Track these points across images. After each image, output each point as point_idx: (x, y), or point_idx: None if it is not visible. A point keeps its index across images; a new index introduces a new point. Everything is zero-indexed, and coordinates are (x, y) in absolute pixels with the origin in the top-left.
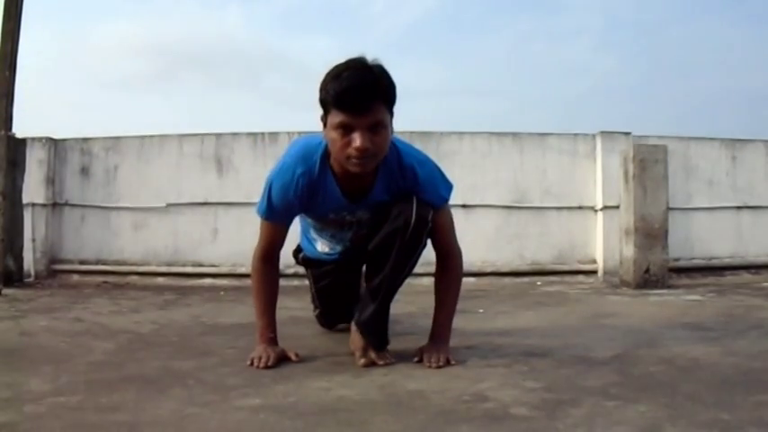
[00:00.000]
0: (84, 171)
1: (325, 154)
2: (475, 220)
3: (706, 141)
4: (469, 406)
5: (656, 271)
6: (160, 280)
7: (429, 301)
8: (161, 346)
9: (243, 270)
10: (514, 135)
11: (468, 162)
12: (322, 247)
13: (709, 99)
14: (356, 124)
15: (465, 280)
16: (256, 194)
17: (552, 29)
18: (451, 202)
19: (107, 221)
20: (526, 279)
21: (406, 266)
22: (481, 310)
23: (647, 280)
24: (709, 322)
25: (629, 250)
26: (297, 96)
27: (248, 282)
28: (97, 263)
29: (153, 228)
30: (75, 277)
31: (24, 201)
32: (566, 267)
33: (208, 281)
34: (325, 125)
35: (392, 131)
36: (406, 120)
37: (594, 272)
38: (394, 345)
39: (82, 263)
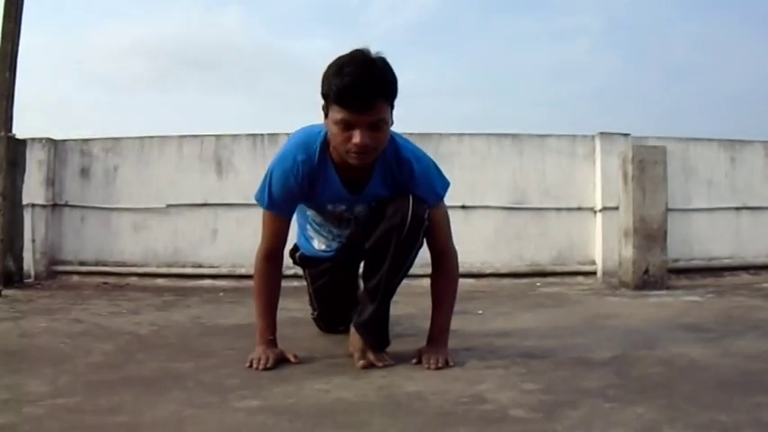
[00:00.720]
0: (84, 172)
1: (325, 143)
2: (474, 221)
3: (705, 142)
4: (468, 408)
5: (655, 272)
6: (160, 281)
7: (428, 303)
8: (160, 348)
9: (242, 271)
10: (514, 136)
11: (468, 163)
12: (319, 244)
13: (709, 100)
14: (357, 122)
15: (464, 281)
16: None
17: (551, 29)
18: (451, 203)
19: (107, 222)
20: (525, 280)
21: (403, 266)
22: (480, 312)
23: (647, 281)
24: (707, 323)
25: (628, 251)
26: (296, 97)
27: (248, 282)
28: (97, 264)
29: (153, 229)
30: (75, 278)
31: (24, 201)
32: (565, 268)
33: (207, 282)
34: (326, 115)
35: (392, 123)
36: (405, 120)
37: (594, 273)
38: (393, 346)
39: (82, 264)
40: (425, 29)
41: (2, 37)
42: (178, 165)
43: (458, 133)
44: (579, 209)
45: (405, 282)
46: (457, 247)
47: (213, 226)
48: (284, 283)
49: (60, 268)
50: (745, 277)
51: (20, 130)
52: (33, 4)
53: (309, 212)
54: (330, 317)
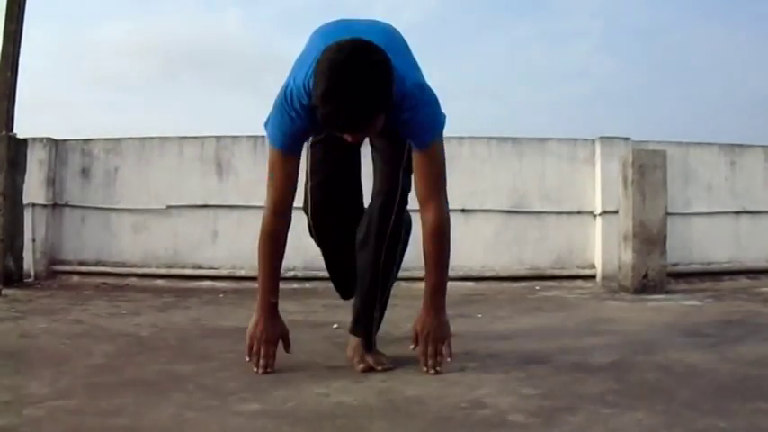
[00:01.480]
0: (85, 172)
1: None
2: (474, 224)
3: (705, 147)
4: (467, 412)
5: (655, 276)
6: (159, 282)
7: None
8: (160, 350)
9: (242, 272)
10: (514, 140)
11: (468, 167)
12: None
13: (710, 103)
14: (347, 135)
15: (463, 284)
16: (256, 198)
17: (552, 32)
18: (451, 206)
19: (107, 223)
20: (525, 284)
21: (394, 262)
22: (479, 315)
23: (646, 285)
24: (706, 328)
25: (627, 255)
26: None
27: (248, 284)
28: (97, 264)
29: (153, 230)
30: (75, 278)
31: (25, 201)
32: (564, 272)
33: (207, 283)
34: None
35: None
36: None
37: (593, 276)
38: (392, 349)
39: (82, 264)
40: (425, 31)
41: (4, 38)
42: (178, 166)
43: (458, 137)
44: (579, 213)
45: (404, 284)
46: (457, 250)
47: (213, 227)
48: (284, 285)
49: (60, 268)
50: (744, 281)
51: (19, 128)
52: (33, 2)
53: None
54: (326, 209)
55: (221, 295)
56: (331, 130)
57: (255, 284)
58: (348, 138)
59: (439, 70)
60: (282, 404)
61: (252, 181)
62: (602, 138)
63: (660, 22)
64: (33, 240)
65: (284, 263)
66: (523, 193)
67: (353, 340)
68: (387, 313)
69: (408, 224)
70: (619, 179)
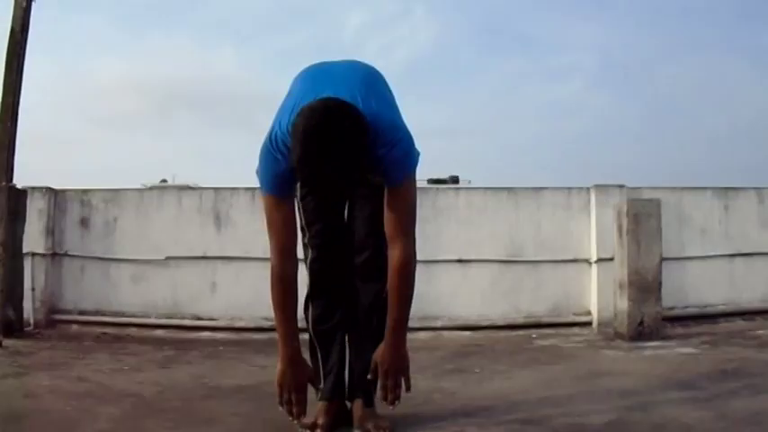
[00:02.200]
0: (84, 222)
1: None
2: (471, 274)
3: (698, 191)
4: None
5: (651, 323)
6: (159, 332)
7: (427, 359)
8: (165, 413)
9: (241, 324)
10: (509, 190)
11: (464, 217)
12: None
13: (701, 137)
14: None
15: (460, 334)
16: (254, 249)
17: (546, 68)
18: (447, 257)
19: (106, 273)
20: (522, 332)
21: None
22: (477, 370)
23: (642, 332)
24: (701, 381)
25: (623, 303)
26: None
27: (247, 335)
28: (96, 314)
29: (152, 280)
30: (75, 327)
31: (24, 250)
32: (561, 319)
33: (206, 334)
34: None
35: None
36: None
37: (589, 323)
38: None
39: (81, 313)
40: (419, 69)
41: (3, 89)
42: (177, 217)
43: (454, 187)
44: (575, 260)
45: None
46: (453, 300)
47: (212, 279)
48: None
49: (60, 317)
50: (739, 323)
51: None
52: (30, 41)
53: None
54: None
55: (221, 348)
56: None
57: (254, 336)
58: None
59: (431, 107)
60: None
61: (250, 233)
62: (596, 186)
63: (653, 55)
64: (33, 289)
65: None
66: (519, 242)
67: (321, 405)
68: None
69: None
70: (614, 227)
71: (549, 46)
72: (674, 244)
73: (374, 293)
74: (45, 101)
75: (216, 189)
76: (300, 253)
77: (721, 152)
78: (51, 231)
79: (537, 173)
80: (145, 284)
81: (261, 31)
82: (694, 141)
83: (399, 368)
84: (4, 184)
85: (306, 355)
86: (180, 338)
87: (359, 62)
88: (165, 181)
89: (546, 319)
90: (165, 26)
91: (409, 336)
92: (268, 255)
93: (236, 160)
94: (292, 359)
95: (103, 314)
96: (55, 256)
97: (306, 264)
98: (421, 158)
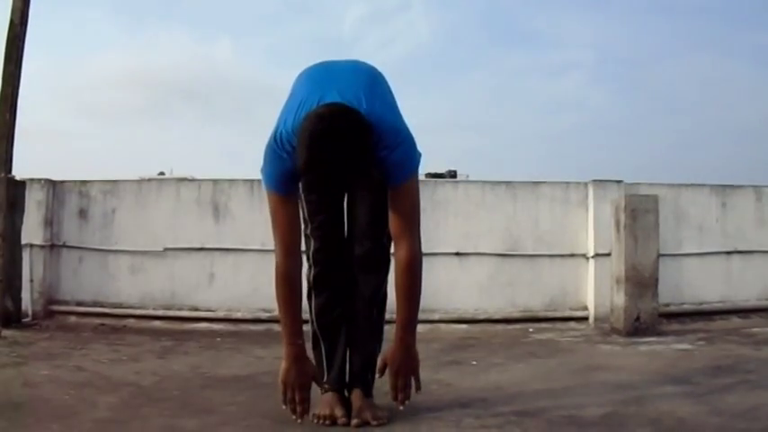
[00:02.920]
0: (83, 213)
1: None
2: (468, 267)
3: (696, 188)
4: None
5: (647, 319)
6: (157, 323)
7: (424, 351)
8: (163, 402)
9: (239, 315)
10: (508, 183)
11: (462, 210)
12: None
13: (699, 132)
14: None
15: (457, 327)
16: (252, 241)
17: (544, 64)
18: (445, 249)
19: (104, 264)
20: (518, 326)
21: (381, 321)
22: (474, 362)
23: (638, 328)
24: (697, 376)
25: (619, 299)
26: None
27: (244, 327)
28: (94, 305)
29: (150, 271)
30: (73, 318)
31: (23, 241)
32: (557, 314)
33: (204, 325)
34: None
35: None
36: None
37: (586, 318)
38: (388, 399)
39: (79, 304)
40: (417, 63)
41: (3, 79)
42: (175, 208)
43: (452, 181)
44: (572, 255)
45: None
46: (451, 293)
47: (210, 270)
48: (278, 328)
49: (58, 308)
50: (735, 321)
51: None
52: (29, 35)
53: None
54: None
55: (218, 339)
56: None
57: (252, 327)
58: None
59: (429, 101)
60: None
61: (248, 224)
62: (594, 181)
63: (651, 52)
64: (31, 280)
65: (272, 305)
66: (517, 236)
67: (330, 395)
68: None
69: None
70: (611, 222)
71: (549, 41)
72: (671, 241)
73: (374, 285)
74: (41, 93)
75: (214, 181)
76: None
77: (721, 150)
78: (50, 222)
79: (535, 167)
80: (143, 275)
81: (259, 23)
82: (692, 138)
83: (410, 368)
84: (3, 175)
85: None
86: (178, 330)
87: (361, 63)
88: (162, 173)
89: (543, 314)
90: (162, 18)
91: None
92: (266, 246)
93: (234, 153)
94: (297, 357)
95: (101, 305)
96: (53, 247)
97: (308, 255)
98: (423, 158)
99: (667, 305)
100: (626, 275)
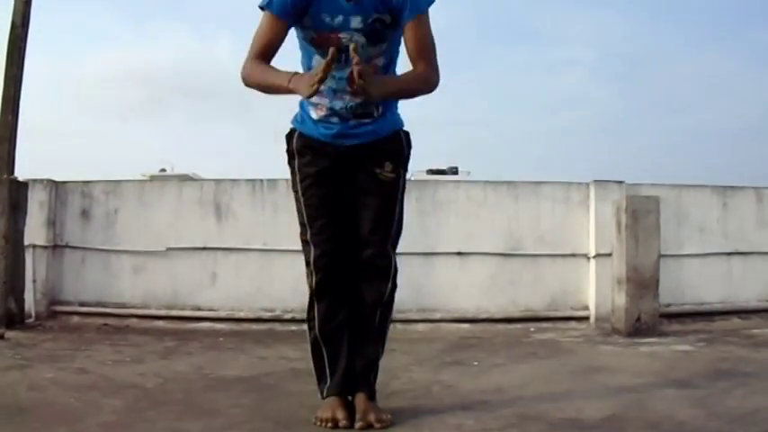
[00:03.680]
0: (85, 214)
1: None
2: (470, 267)
3: (698, 189)
4: None
5: (648, 319)
6: (159, 323)
7: (425, 351)
8: (167, 405)
9: (241, 314)
10: (509, 184)
11: (464, 210)
12: (318, 111)
13: (700, 132)
14: None
15: (459, 326)
16: (255, 241)
17: (546, 60)
18: (447, 249)
19: (107, 264)
20: (519, 325)
21: (387, 321)
22: (476, 363)
23: (639, 328)
24: (696, 379)
25: (620, 299)
26: (285, 125)
27: (247, 326)
28: (97, 305)
29: (152, 271)
30: (76, 319)
31: (25, 242)
32: (558, 314)
33: (206, 324)
34: None
35: None
36: None
37: (587, 318)
38: (391, 402)
39: (82, 304)
40: None
41: (4, 81)
42: (178, 208)
43: (454, 181)
44: (573, 255)
45: (400, 326)
46: (452, 293)
47: (212, 270)
48: (281, 327)
49: (61, 308)
50: (735, 321)
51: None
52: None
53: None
54: (324, 237)
55: (221, 339)
56: None
57: (254, 326)
58: None
59: (431, 97)
60: None
61: (251, 224)
62: (596, 181)
63: (652, 49)
64: (34, 281)
65: (282, 305)
66: (519, 236)
67: (333, 399)
68: (382, 361)
69: (395, 268)
70: (612, 223)
71: (550, 38)
72: (672, 241)
73: (378, 292)
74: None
75: (216, 181)
76: None
77: (719, 148)
78: (52, 223)
79: (536, 163)
80: (145, 275)
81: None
82: (692, 136)
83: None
84: (5, 176)
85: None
86: (180, 329)
87: None
88: (164, 170)
89: (544, 313)
90: (162, 16)
91: (408, 327)
92: (268, 246)
93: (234, 150)
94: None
95: (104, 305)
96: (56, 247)
97: (307, 261)
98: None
99: (668, 305)
100: (627, 276)
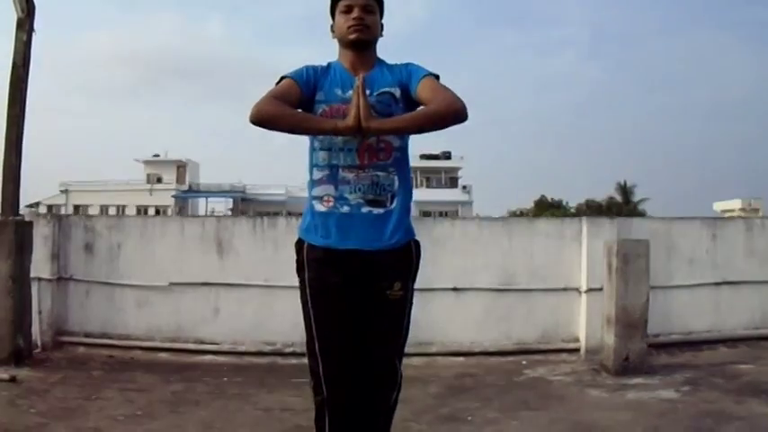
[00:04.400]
0: (89, 247)
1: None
2: (465, 302)
3: (688, 221)
4: None
5: (635, 359)
6: (163, 355)
7: (421, 398)
8: None
9: (243, 348)
10: (504, 220)
11: (460, 246)
12: (325, 192)
13: (695, 111)
14: (354, 3)
15: (454, 360)
16: (256, 277)
17: (539, 41)
18: (442, 285)
19: (111, 297)
20: (512, 358)
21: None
22: (470, 418)
23: (627, 367)
24: None
25: (609, 338)
26: None
27: (248, 359)
28: (102, 336)
29: (156, 305)
30: (81, 349)
31: (31, 275)
32: (550, 346)
33: (209, 357)
34: (332, 30)
35: (382, 30)
36: None
37: (577, 350)
38: None
39: (87, 335)
40: (412, 41)
41: (7, 122)
42: (180, 244)
43: (450, 218)
44: (565, 289)
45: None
46: (448, 327)
47: (215, 304)
48: (282, 361)
49: (66, 339)
50: (722, 350)
51: None
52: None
53: (317, 142)
54: (332, 360)
55: (225, 379)
56: None
57: (256, 360)
58: (355, 12)
59: None
60: None
61: (252, 261)
62: (588, 218)
63: (647, 29)
64: (40, 312)
65: (283, 339)
66: (513, 271)
67: None
68: None
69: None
70: (603, 263)
71: (543, 19)
72: (662, 273)
73: (384, 400)
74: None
75: (218, 218)
76: None
77: (711, 127)
78: (56, 256)
79: (531, 146)
80: (149, 309)
81: (250, 1)
82: (684, 115)
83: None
84: (11, 218)
85: None
86: (184, 363)
87: None
88: (157, 155)
89: (536, 346)
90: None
91: (404, 361)
92: (269, 282)
93: (227, 133)
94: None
95: (109, 337)
96: (60, 280)
97: (314, 373)
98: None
99: (657, 335)
100: (616, 317)
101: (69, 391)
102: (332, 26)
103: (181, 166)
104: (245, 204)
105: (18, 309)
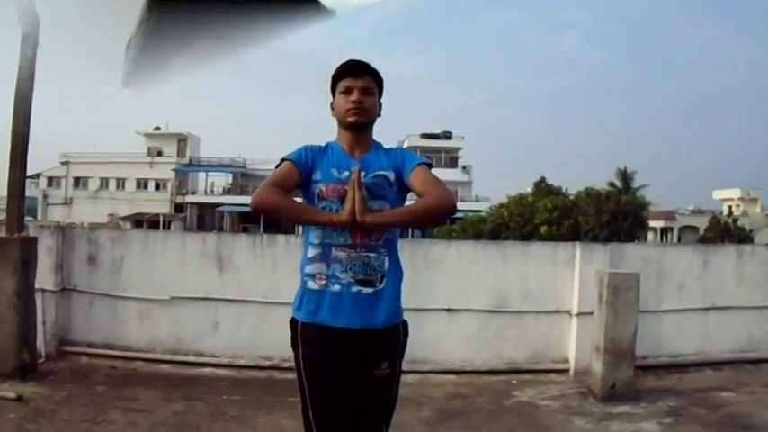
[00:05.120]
0: (92, 259)
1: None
2: (458, 322)
3: (680, 248)
4: None
5: (622, 386)
6: (164, 367)
7: (413, 421)
8: None
9: (242, 362)
10: (498, 244)
11: (454, 268)
12: (317, 269)
13: (696, 95)
14: (354, 85)
15: (445, 378)
16: (255, 293)
17: (541, 21)
18: (436, 305)
19: (114, 309)
20: (503, 377)
21: None
22: None
23: (613, 394)
24: None
25: (598, 366)
26: (282, 82)
27: (246, 373)
28: (105, 347)
29: (157, 317)
30: (84, 359)
31: (35, 286)
32: (540, 366)
33: (209, 370)
34: (332, 108)
35: (380, 110)
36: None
37: (567, 370)
38: None
39: (90, 345)
40: (413, 18)
41: (12, 138)
42: (181, 259)
43: (446, 241)
44: (557, 312)
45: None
46: (440, 346)
47: (214, 318)
48: (279, 375)
49: (70, 349)
50: (708, 373)
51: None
52: None
53: (315, 185)
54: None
55: (224, 397)
56: (344, 74)
57: (254, 373)
58: (354, 95)
59: (425, 57)
60: None
61: (251, 277)
62: (581, 243)
63: (648, 13)
64: (44, 323)
65: (280, 354)
66: (506, 293)
67: None
68: None
69: None
70: (594, 293)
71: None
72: (653, 298)
73: (374, 427)
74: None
75: (218, 235)
76: None
77: (713, 114)
78: (60, 267)
79: (532, 127)
80: (151, 321)
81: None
82: (687, 103)
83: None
84: (16, 235)
85: None
86: (185, 375)
87: None
88: (158, 128)
89: (526, 366)
90: None
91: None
92: (267, 299)
93: (226, 105)
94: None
95: (112, 347)
96: (64, 291)
97: None
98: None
99: (645, 358)
100: (605, 346)
101: (75, 411)
102: (332, 104)
103: (182, 140)
104: (245, 179)
105: (23, 324)
